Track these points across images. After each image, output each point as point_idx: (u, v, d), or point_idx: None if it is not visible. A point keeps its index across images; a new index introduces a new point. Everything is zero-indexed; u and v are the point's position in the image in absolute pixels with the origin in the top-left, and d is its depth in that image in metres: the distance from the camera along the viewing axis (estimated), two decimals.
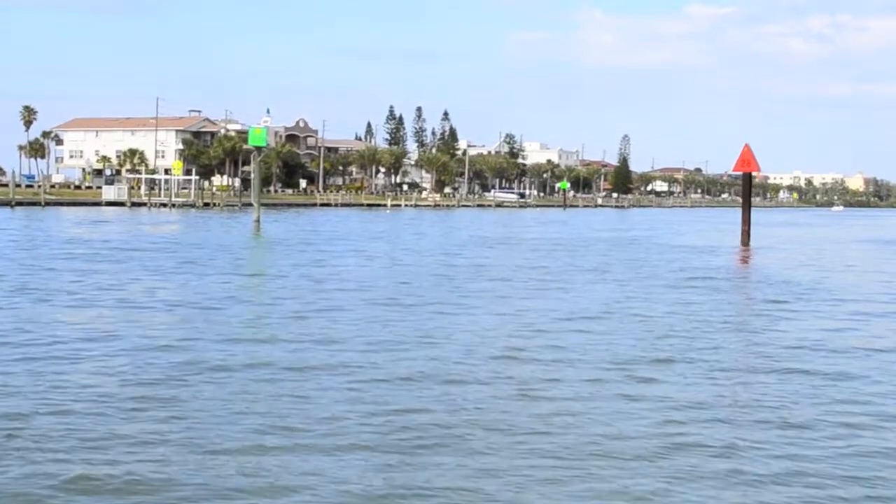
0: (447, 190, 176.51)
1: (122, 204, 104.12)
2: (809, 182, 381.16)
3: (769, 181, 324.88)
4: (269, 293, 24.27)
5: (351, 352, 15.70)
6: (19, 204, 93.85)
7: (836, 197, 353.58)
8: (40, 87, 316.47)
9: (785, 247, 54.37)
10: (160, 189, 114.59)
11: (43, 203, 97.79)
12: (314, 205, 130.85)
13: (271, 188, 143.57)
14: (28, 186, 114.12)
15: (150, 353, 15.38)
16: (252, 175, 70.17)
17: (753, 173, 60.31)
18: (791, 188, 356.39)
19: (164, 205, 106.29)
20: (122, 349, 15.69)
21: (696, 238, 63.16)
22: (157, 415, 11.41)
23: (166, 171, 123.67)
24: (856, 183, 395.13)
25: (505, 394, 12.88)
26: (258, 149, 61.08)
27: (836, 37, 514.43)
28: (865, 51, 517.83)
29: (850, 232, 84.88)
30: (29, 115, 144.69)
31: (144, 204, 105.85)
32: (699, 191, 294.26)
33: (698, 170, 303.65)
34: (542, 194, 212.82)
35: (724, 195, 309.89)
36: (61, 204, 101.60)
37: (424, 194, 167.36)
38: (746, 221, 53.89)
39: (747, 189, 57.95)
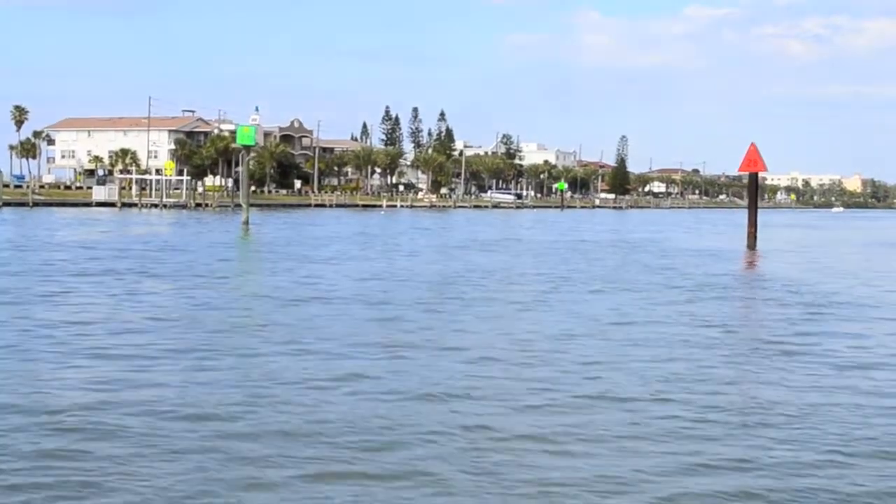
0: (443, 191, 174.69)
1: (112, 205, 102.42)
2: (807, 183, 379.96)
3: (766, 182, 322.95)
4: (243, 307, 22.21)
5: (321, 389, 13.75)
6: (7, 204, 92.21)
7: (833, 198, 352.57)
8: (32, 87, 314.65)
9: (794, 250, 52.31)
10: (151, 189, 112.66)
11: (31, 203, 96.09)
12: (308, 205, 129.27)
13: (265, 188, 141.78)
14: (17, 187, 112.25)
15: (62, 383, 13.01)
16: (241, 175, 68.30)
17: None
18: (788, 189, 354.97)
19: (156, 205, 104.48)
20: (24, 375, 13.51)
21: (700, 240, 61.26)
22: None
23: (157, 172, 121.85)
24: (853, 184, 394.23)
25: (514, 435, 10.99)
26: (247, 147, 59.08)
27: (833, 38, 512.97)
28: (862, 52, 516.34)
29: (856, 234, 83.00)
30: (20, 115, 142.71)
31: (135, 204, 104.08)
32: (697, 192, 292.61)
33: (696, 171, 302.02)
34: (539, 195, 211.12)
35: (722, 196, 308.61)
36: (50, 204, 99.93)
37: (420, 195, 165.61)
38: (753, 223, 52.06)
39: (753, 190, 56.08)
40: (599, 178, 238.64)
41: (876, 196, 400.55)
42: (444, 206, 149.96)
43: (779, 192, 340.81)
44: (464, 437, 10.51)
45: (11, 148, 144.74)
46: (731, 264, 39.72)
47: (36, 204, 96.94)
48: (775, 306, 23.64)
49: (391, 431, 10.63)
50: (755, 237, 51.33)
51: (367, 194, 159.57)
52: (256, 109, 61.41)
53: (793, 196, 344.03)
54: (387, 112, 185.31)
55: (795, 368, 15.00)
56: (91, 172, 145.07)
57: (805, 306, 23.47)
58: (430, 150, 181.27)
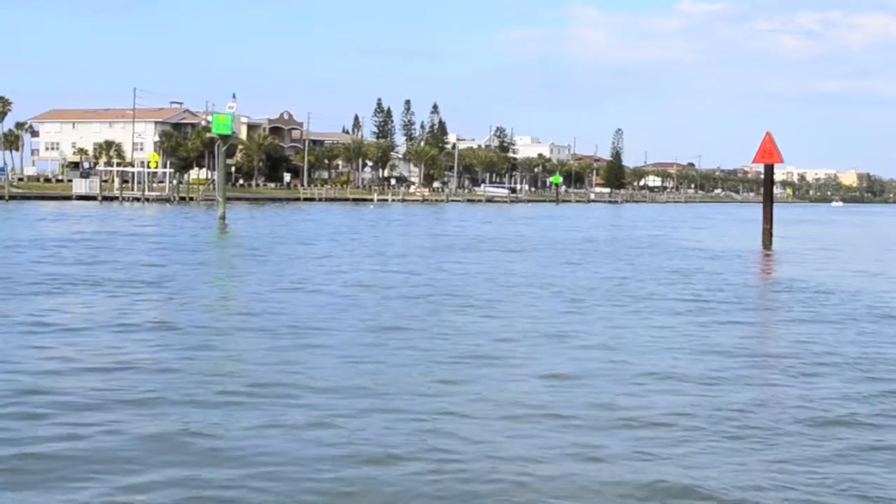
0: (436, 184, 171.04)
1: (93, 198, 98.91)
2: (802, 177, 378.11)
3: (762, 176, 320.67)
4: (194, 329, 18.15)
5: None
6: None
7: (829, 192, 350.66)
8: (18, 80, 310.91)
9: (814, 249, 48.39)
10: (133, 182, 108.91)
11: (7, 197, 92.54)
12: (297, 199, 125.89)
13: (253, 182, 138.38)
14: None
15: None
16: (217, 166, 64.56)
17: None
18: (784, 184, 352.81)
19: (138, 199, 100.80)
20: None
21: (708, 238, 57.50)
22: None
23: (142, 164, 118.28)
24: (849, 179, 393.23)
25: None
26: (223, 137, 55.14)
27: (827, 33, 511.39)
28: (856, 47, 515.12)
29: (870, 231, 79.46)
30: (3, 107, 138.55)
31: (116, 198, 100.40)
32: (692, 186, 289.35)
33: (691, 165, 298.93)
34: (533, 189, 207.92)
35: (718, 190, 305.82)
36: (28, 198, 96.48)
37: (412, 189, 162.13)
38: (768, 219, 48.49)
39: (769, 183, 52.63)
40: (594, 171, 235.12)
41: (872, 190, 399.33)
42: (436, 201, 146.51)
43: (775, 187, 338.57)
44: None
45: None
46: (754, 268, 36.10)
47: (13, 197, 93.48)
48: (842, 328, 19.85)
49: None
50: (771, 234, 47.76)
51: (358, 188, 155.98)
52: (234, 97, 57.25)
53: (789, 191, 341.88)
54: (379, 104, 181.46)
55: None
56: (76, 165, 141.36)
57: (869, 324, 19.80)
58: (422, 143, 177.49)
